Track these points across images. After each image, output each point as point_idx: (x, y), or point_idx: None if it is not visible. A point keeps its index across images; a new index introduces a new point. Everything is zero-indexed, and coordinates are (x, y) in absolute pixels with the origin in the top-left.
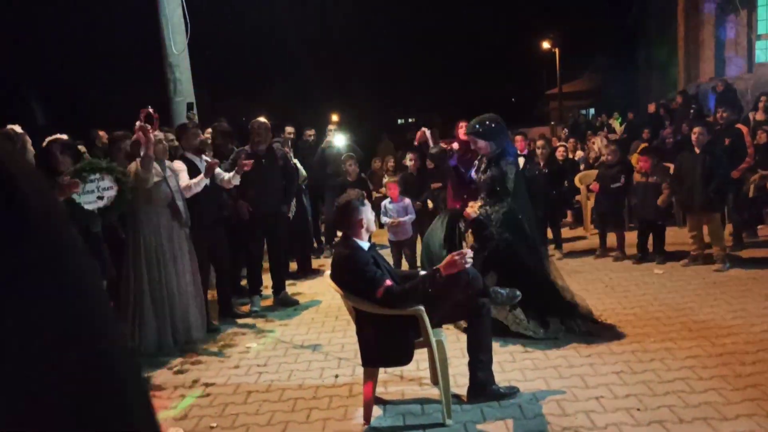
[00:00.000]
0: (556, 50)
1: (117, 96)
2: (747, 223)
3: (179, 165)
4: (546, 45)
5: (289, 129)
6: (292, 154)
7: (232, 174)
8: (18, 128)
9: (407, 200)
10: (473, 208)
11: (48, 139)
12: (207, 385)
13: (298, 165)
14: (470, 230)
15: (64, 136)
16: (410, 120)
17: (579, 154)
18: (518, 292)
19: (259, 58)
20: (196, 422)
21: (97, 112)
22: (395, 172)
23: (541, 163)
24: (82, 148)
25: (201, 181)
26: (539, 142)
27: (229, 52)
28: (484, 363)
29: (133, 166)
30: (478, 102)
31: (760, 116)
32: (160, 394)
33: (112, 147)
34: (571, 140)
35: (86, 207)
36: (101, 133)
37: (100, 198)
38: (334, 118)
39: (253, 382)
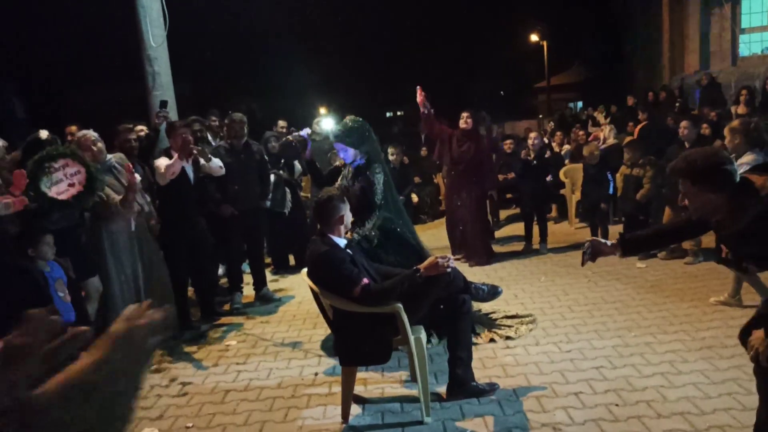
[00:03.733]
0: (544, 43)
1: (96, 90)
2: None
3: (162, 161)
4: (534, 38)
5: (282, 123)
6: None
7: (217, 164)
8: None
9: None
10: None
11: None
12: (184, 384)
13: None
14: None
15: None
16: (399, 113)
17: (566, 147)
18: (500, 288)
19: (244, 50)
20: (172, 422)
21: (76, 105)
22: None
23: (532, 155)
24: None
25: (176, 163)
26: (532, 134)
27: (212, 44)
28: (464, 360)
29: (115, 197)
30: (466, 94)
31: (741, 110)
32: None
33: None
34: (558, 134)
35: (61, 198)
36: (72, 128)
37: (72, 185)
38: (322, 110)
39: (231, 381)
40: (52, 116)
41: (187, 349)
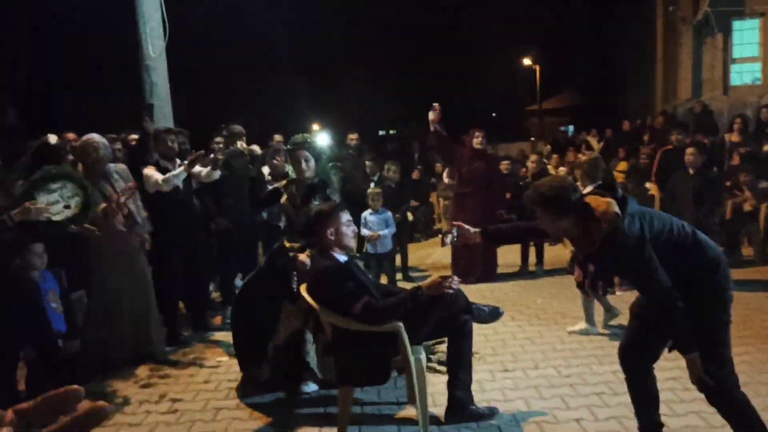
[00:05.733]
0: (537, 67)
1: (93, 99)
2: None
3: (149, 171)
4: (527, 62)
5: (278, 137)
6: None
7: (208, 169)
8: None
9: (388, 213)
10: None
11: None
12: (174, 400)
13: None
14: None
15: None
16: (391, 131)
17: (561, 170)
18: (501, 309)
19: (243, 65)
20: None
21: (72, 115)
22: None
23: (530, 178)
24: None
25: (180, 174)
26: (533, 157)
27: (211, 58)
28: (464, 382)
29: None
30: (460, 116)
31: (735, 137)
32: (125, 409)
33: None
34: (555, 156)
35: (54, 219)
36: (71, 135)
37: (67, 207)
38: (315, 126)
39: (222, 398)
40: (47, 125)
41: (177, 365)
